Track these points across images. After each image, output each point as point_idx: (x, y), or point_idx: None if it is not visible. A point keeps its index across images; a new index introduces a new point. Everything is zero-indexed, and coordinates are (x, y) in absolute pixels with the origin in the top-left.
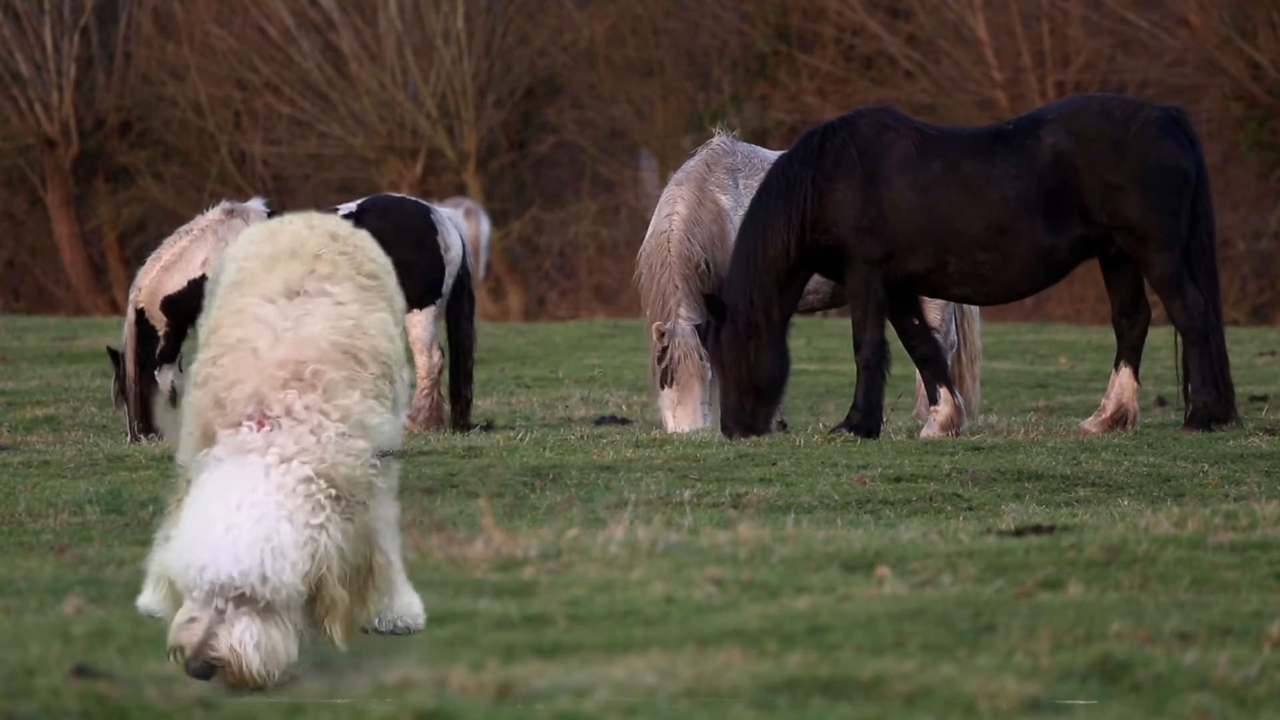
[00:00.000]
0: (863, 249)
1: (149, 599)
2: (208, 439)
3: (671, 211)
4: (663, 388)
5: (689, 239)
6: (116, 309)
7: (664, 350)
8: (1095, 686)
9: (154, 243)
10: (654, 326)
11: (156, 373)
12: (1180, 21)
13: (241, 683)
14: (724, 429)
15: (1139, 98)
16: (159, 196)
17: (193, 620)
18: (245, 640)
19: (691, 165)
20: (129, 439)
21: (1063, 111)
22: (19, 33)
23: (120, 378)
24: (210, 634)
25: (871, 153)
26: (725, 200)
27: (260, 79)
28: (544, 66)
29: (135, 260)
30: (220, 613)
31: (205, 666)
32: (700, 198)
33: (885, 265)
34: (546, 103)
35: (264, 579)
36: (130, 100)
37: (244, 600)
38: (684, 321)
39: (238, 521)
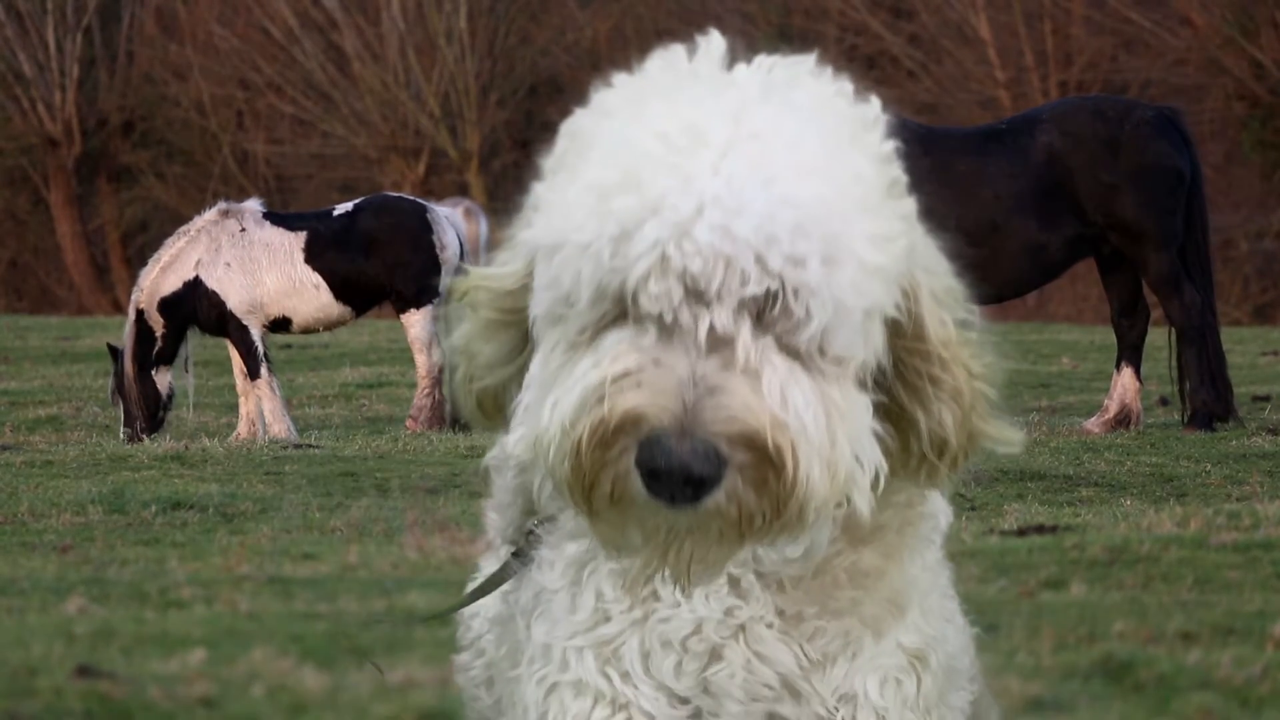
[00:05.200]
0: None
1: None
2: None
3: None
4: None
5: None
6: (119, 309)
7: None
8: (1098, 686)
9: (156, 242)
10: None
11: (154, 373)
12: (1183, 21)
13: None
14: None
15: (1134, 98)
16: (161, 196)
17: None
18: None
19: None
20: (123, 436)
21: (1057, 111)
22: (21, 33)
23: (118, 375)
24: None
25: None
26: None
27: (263, 79)
28: (547, 66)
29: (138, 260)
30: None
31: None
32: None
33: None
34: (549, 102)
35: None
36: (133, 100)
37: None
38: None
39: None
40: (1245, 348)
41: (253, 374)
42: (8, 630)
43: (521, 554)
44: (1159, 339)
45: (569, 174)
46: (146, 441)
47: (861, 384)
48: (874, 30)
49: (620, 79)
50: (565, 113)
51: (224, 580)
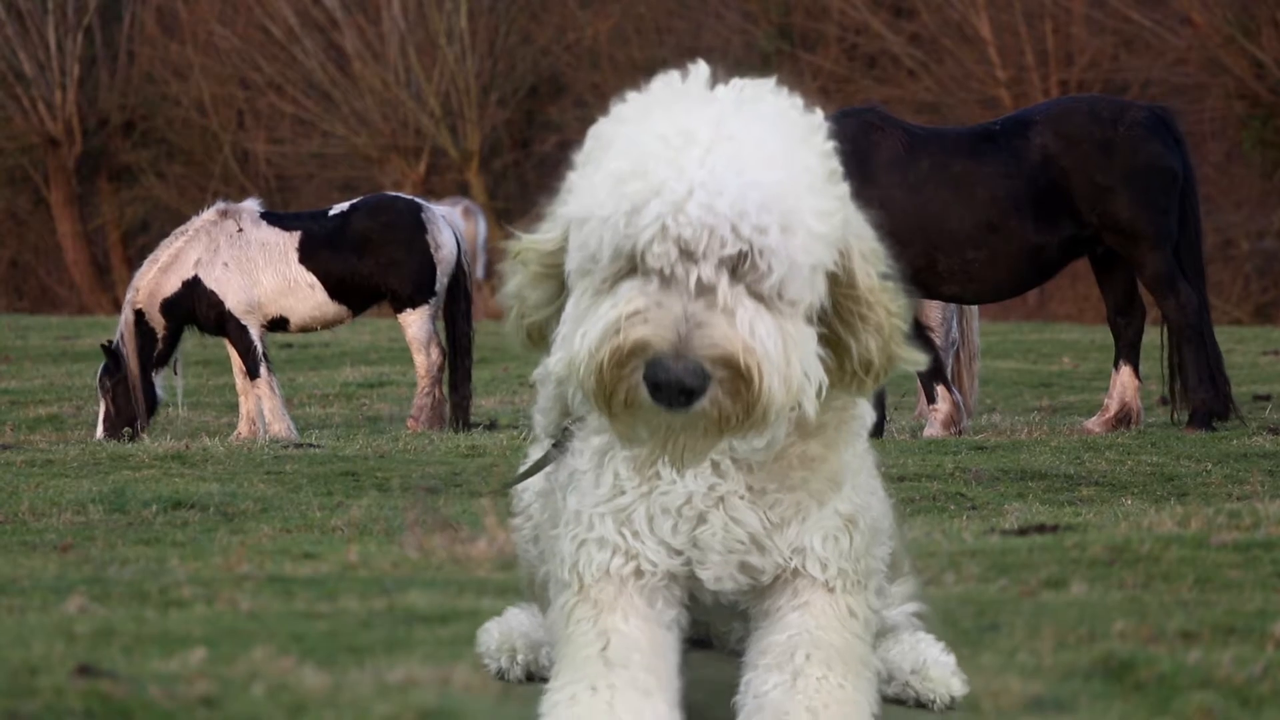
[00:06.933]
0: None
1: None
2: None
3: None
4: None
5: None
6: (119, 308)
7: None
8: (1098, 685)
9: (157, 242)
10: None
11: (154, 374)
12: (1183, 20)
13: None
14: None
15: (1128, 98)
16: (162, 196)
17: None
18: None
19: None
20: (100, 433)
21: (1050, 112)
22: (22, 32)
23: (111, 373)
24: None
25: (859, 152)
26: None
27: (263, 78)
28: (547, 65)
29: (138, 260)
30: None
31: None
32: None
33: None
34: (550, 102)
35: None
36: (133, 99)
37: None
38: None
39: None
40: (1245, 347)
41: (252, 374)
42: (8, 630)
43: (559, 445)
44: (1160, 339)
45: (594, 165)
46: (147, 440)
47: (809, 320)
48: (874, 30)
49: (632, 96)
50: (566, 112)
51: (224, 579)
